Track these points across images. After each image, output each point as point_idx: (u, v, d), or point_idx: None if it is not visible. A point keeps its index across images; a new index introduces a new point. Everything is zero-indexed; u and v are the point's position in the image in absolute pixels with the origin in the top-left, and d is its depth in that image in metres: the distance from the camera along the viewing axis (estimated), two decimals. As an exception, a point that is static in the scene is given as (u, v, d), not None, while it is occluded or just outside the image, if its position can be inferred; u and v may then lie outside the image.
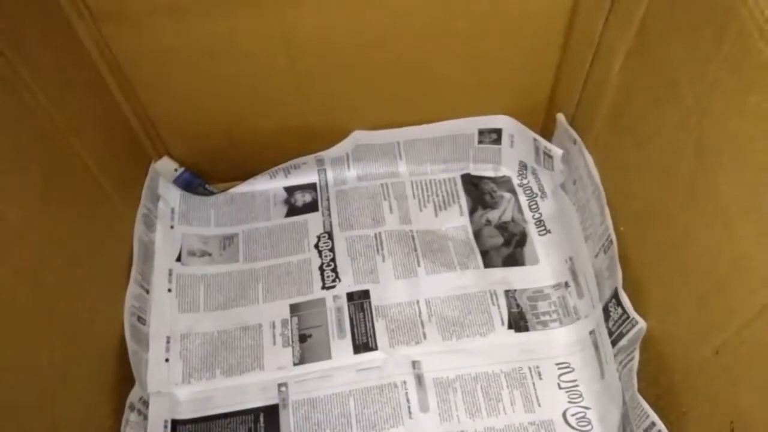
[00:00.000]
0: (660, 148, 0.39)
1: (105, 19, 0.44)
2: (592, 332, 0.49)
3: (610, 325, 0.46)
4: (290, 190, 0.59)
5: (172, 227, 0.56)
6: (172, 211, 0.57)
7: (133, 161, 0.54)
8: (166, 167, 0.56)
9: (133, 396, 0.44)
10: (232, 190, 0.59)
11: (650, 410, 0.39)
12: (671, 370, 0.38)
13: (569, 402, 0.48)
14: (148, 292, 0.51)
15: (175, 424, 0.47)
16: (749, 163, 0.29)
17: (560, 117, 0.54)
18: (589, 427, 0.47)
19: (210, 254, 0.55)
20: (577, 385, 0.48)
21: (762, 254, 0.29)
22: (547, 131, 0.57)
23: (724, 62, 0.31)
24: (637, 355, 0.41)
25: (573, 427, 0.47)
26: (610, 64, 0.45)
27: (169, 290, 0.53)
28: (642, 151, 0.42)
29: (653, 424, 0.39)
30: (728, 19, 0.30)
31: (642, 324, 0.41)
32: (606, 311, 0.46)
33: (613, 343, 0.45)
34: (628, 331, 0.43)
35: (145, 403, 0.46)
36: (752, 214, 0.29)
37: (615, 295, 0.45)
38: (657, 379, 0.40)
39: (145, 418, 0.46)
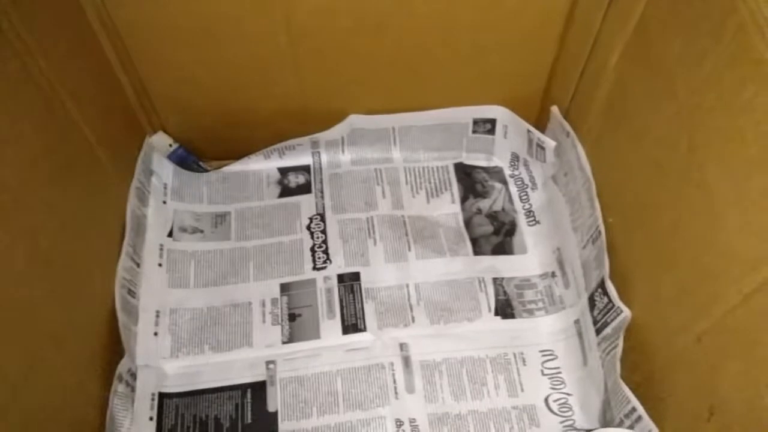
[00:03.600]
0: (653, 142, 0.40)
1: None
2: (576, 321, 0.50)
3: (595, 314, 0.47)
4: (284, 171, 0.60)
5: (164, 203, 0.56)
6: (165, 186, 0.57)
7: (129, 134, 0.54)
8: (161, 142, 0.56)
9: (122, 367, 0.44)
10: (226, 168, 0.59)
11: (631, 395, 0.40)
12: (653, 357, 0.40)
13: (551, 388, 0.49)
14: (138, 265, 0.51)
15: (162, 397, 0.47)
16: (739, 155, 0.30)
17: (554, 109, 0.55)
18: (570, 413, 0.48)
19: (202, 231, 0.56)
20: (559, 372, 0.50)
21: (747, 244, 0.30)
22: (540, 123, 0.58)
23: (721, 57, 0.32)
24: (621, 342, 0.42)
25: (555, 413, 0.48)
26: (606, 58, 0.46)
27: (160, 265, 0.53)
28: (635, 145, 0.43)
29: (634, 409, 0.40)
30: (727, 16, 0.31)
31: (627, 313, 0.42)
32: (591, 300, 0.47)
33: (598, 332, 0.46)
34: (612, 319, 0.44)
35: (133, 375, 0.46)
36: (739, 205, 0.30)
37: (601, 285, 0.46)
38: (639, 367, 0.41)
39: (133, 389, 0.46)
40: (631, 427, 0.40)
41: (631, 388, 0.41)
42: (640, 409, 0.39)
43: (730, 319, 0.31)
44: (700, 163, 0.34)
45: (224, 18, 0.47)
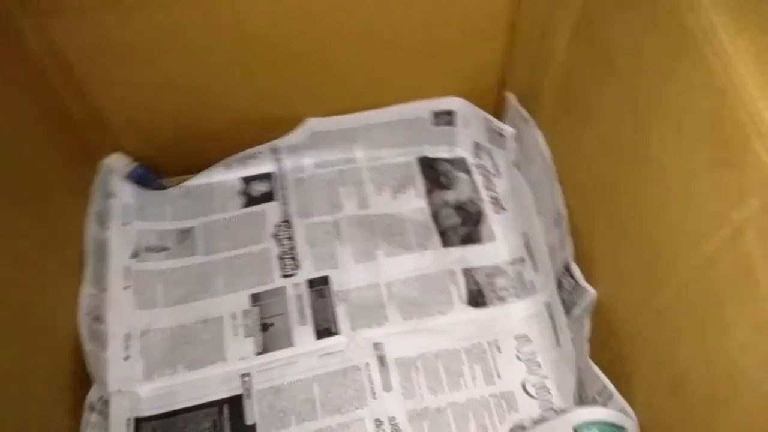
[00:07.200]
0: (603, 123, 0.40)
1: (48, 13, 0.43)
2: (547, 304, 0.50)
3: (564, 295, 0.47)
4: (247, 181, 0.59)
5: (126, 224, 0.55)
6: (126, 207, 0.56)
7: (84, 158, 0.53)
8: (117, 163, 0.55)
9: (92, 396, 0.44)
10: (188, 183, 0.58)
11: (601, 374, 0.41)
12: (620, 334, 0.40)
13: (528, 372, 0.49)
14: (104, 290, 0.50)
15: (139, 421, 0.47)
16: (680, 131, 0.31)
17: (510, 96, 0.55)
18: (548, 395, 0.48)
19: (167, 249, 0.55)
20: (535, 356, 0.50)
21: (693, 218, 0.30)
22: (500, 111, 0.58)
23: (657, 36, 0.32)
24: (587, 322, 0.43)
25: (533, 396, 0.48)
26: (555, 43, 0.46)
27: (126, 287, 0.52)
28: (587, 127, 0.43)
29: (605, 387, 0.40)
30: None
31: (592, 292, 0.43)
32: (559, 283, 0.48)
33: (567, 313, 0.47)
34: (580, 300, 0.44)
35: (106, 403, 0.46)
36: (683, 181, 0.31)
37: (567, 267, 0.46)
38: (607, 345, 0.42)
39: (106, 417, 0.45)
40: (604, 405, 0.41)
41: (602, 367, 0.42)
42: (611, 387, 0.40)
43: (684, 293, 0.31)
44: (646, 140, 0.34)
45: (168, 32, 0.46)
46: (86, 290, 0.47)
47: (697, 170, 0.29)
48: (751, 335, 0.26)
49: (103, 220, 0.53)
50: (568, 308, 0.46)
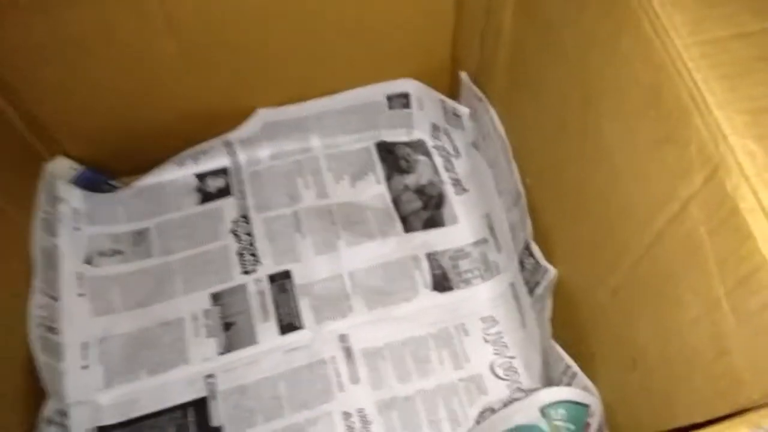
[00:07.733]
0: (552, 100, 0.40)
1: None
2: (512, 284, 0.50)
3: (526, 275, 0.47)
4: (201, 177, 0.57)
5: (77, 229, 0.53)
6: (76, 212, 0.54)
7: (25, 166, 0.51)
8: (61, 167, 0.53)
9: (49, 409, 0.42)
10: (139, 183, 0.56)
11: (564, 353, 0.40)
12: (580, 312, 0.40)
13: (495, 354, 0.49)
14: (56, 299, 0.49)
15: (101, 430, 0.45)
16: (624, 107, 0.30)
17: (463, 75, 0.54)
18: (516, 376, 0.48)
19: (122, 252, 0.53)
20: (502, 337, 0.50)
21: (642, 194, 0.29)
22: (455, 90, 0.57)
23: (598, 9, 0.31)
24: (549, 302, 0.42)
25: (501, 378, 0.48)
26: (501, 20, 0.45)
27: (81, 295, 0.50)
28: (538, 104, 0.42)
29: (568, 366, 0.40)
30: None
31: (552, 271, 0.42)
32: (521, 262, 0.47)
33: (531, 292, 0.46)
34: (542, 279, 0.44)
35: (65, 415, 0.44)
36: (631, 158, 0.30)
37: (527, 246, 0.45)
38: (568, 324, 0.42)
39: (67, 430, 0.44)
40: (568, 384, 0.41)
41: (565, 345, 0.42)
42: (574, 366, 0.40)
43: (638, 271, 0.31)
44: (594, 117, 0.34)
45: (96, 31, 0.45)
46: (36, 300, 0.45)
47: (642, 147, 0.29)
48: (701, 312, 0.26)
49: (51, 227, 0.51)
50: (531, 288, 0.46)
